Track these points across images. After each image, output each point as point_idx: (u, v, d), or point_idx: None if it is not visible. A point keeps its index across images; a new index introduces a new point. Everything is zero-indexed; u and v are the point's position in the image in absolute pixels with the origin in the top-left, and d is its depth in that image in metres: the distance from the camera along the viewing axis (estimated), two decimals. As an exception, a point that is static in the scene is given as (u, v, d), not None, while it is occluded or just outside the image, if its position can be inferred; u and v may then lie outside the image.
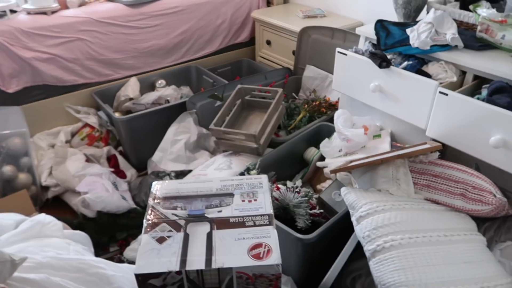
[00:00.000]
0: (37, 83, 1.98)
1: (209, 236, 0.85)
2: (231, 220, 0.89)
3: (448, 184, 1.10)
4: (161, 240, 0.84)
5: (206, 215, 0.91)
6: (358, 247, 1.19)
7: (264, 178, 1.01)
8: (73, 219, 1.65)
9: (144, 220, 0.90)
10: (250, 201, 0.94)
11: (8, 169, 1.69)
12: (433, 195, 1.13)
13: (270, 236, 0.84)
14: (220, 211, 0.92)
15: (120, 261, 1.51)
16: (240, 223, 0.88)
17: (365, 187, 1.21)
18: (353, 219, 1.12)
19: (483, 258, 1.02)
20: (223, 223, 0.88)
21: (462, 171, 1.10)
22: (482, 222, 1.18)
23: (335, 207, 1.33)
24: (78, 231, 1.09)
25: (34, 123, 2.02)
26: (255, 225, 0.87)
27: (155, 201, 0.95)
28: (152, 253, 0.81)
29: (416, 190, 1.15)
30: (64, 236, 1.02)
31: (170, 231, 0.87)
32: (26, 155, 1.77)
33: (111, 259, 1.56)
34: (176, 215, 0.91)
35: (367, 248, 1.03)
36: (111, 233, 1.60)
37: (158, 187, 0.99)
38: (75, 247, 1.00)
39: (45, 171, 1.87)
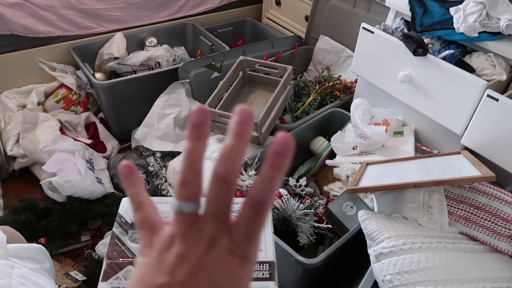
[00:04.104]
0: (4, 32, 1.68)
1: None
2: (220, 268, 0.68)
3: (493, 221, 0.89)
4: (124, 294, 0.63)
5: (187, 256, 0.69)
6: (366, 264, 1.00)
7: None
8: (41, 200, 1.43)
9: (104, 260, 0.68)
10: (246, 239, 0.72)
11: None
12: (471, 231, 0.92)
13: (271, 299, 0.63)
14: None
15: (91, 258, 1.32)
16: (231, 274, 0.67)
17: (386, 209, 1.00)
18: (370, 251, 0.91)
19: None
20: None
21: (513, 206, 0.88)
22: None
23: (345, 223, 1.12)
24: (27, 245, 0.87)
25: (1, 79, 1.75)
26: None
27: (122, 228, 0.73)
28: (110, 317, 0.60)
29: (451, 221, 0.94)
30: (8, 255, 0.81)
31: (138, 280, 0.65)
32: (-12, 119, 1.52)
33: (81, 254, 1.38)
34: (148, 254, 0.69)
35: (387, 296, 0.83)
36: (82, 221, 1.39)
37: (128, 207, 0.76)
38: (20, 270, 0.79)
39: (11, 138, 1.62)
